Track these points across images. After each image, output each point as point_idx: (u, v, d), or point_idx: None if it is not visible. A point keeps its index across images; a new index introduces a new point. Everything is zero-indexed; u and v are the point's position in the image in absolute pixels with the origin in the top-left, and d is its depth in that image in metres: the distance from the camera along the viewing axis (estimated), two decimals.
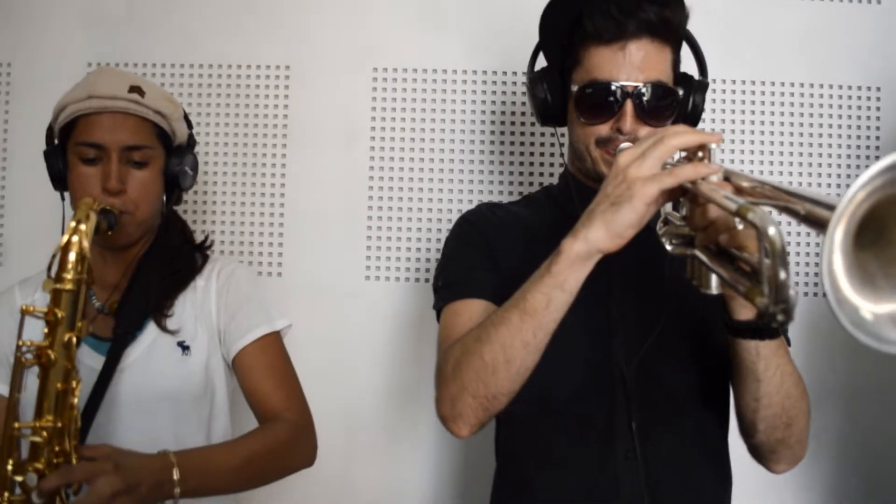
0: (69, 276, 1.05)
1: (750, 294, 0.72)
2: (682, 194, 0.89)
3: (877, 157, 1.84)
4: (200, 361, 1.29)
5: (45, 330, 1.05)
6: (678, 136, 0.88)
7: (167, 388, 1.26)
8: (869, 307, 0.59)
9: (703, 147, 0.88)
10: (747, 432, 1.12)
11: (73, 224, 1.08)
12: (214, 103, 1.84)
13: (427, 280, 1.82)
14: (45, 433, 1.03)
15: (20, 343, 1.05)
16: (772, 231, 0.63)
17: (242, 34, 1.85)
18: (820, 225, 0.61)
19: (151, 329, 1.28)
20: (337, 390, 1.79)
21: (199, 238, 1.43)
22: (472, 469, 1.79)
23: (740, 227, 0.81)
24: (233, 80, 1.85)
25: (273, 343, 1.32)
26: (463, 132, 1.84)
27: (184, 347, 1.28)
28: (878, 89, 1.85)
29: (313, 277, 1.83)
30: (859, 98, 1.85)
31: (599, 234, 0.91)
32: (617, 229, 0.89)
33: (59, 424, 1.04)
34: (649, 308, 1.16)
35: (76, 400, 1.05)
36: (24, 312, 1.06)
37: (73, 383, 1.05)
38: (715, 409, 1.19)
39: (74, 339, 1.04)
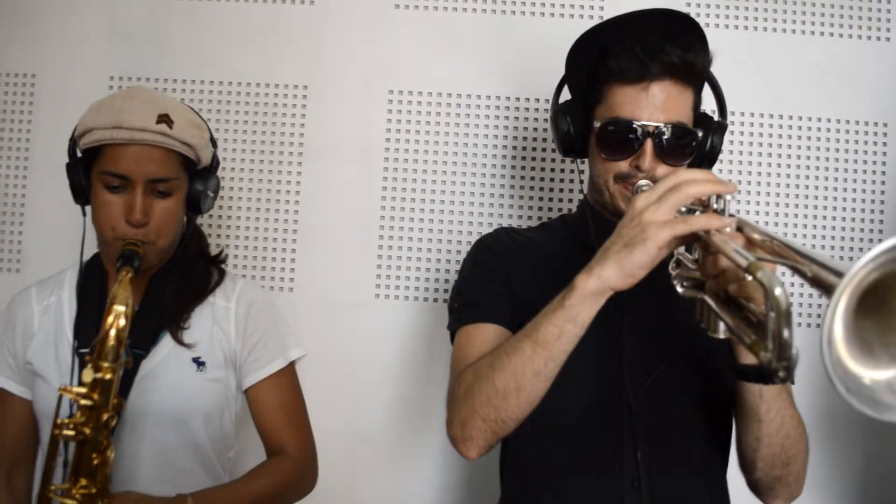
0: (107, 364, 1.08)
1: (755, 347, 0.74)
2: (694, 240, 0.91)
3: (882, 192, 1.87)
4: (214, 378, 1.32)
5: (82, 413, 1.08)
6: (695, 185, 0.91)
7: (179, 401, 1.28)
8: (867, 374, 0.62)
9: (718, 195, 0.91)
10: (747, 469, 1.15)
11: (110, 319, 1.09)
12: (233, 120, 1.87)
13: (435, 300, 1.85)
14: (78, 497, 1.08)
15: (59, 422, 1.08)
16: (778, 291, 0.66)
17: (262, 53, 1.89)
18: (826, 289, 0.63)
19: (167, 342, 1.30)
20: (344, 405, 1.82)
21: (213, 252, 1.45)
22: (478, 487, 1.82)
23: (749, 278, 0.84)
24: (251, 97, 1.88)
25: (286, 377, 1.37)
26: (475, 155, 1.87)
27: (199, 363, 1.30)
28: (886, 125, 1.88)
29: (324, 293, 1.86)
30: (866, 133, 1.88)
31: (612, 273, 0.94)
32: (629, 269, 0.93)
33: (94, 490, 1.08)
34: (659, 341, 1.19)
35: (109, 469, 1.09)
36: (63, 392, 1.08)
37: (108, 452, 1.09)
38: (718, 442, 1.22)
39: (114, 421, 1.09)
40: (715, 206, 0.93)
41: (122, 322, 1.09)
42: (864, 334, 0.63)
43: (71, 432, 1.07)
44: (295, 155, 1.88)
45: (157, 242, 1.27)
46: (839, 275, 0.59)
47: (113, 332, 1.08)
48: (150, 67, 1.89)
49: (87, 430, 1.07)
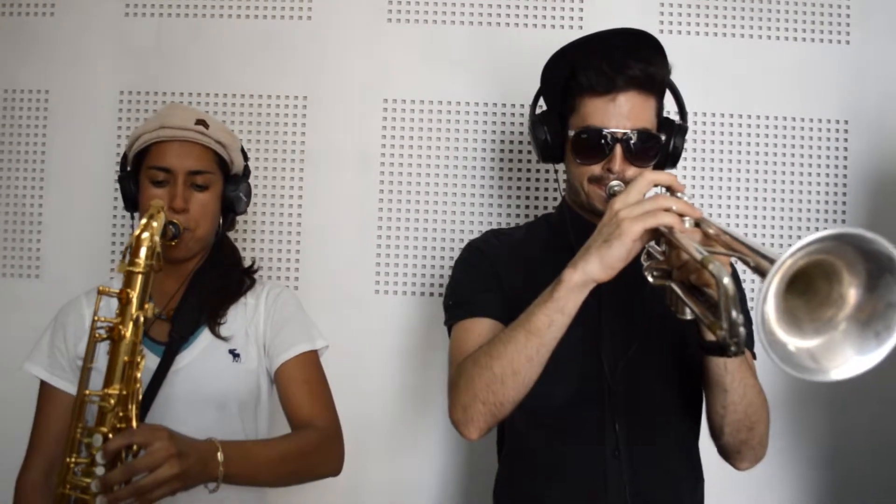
0: (140, 261, 1.19)
1: (712, 327, 0.88)
2: (661, 235, 1.05)
3: (844, 185, 2.02)
4: (249, 369, 1.43)
5: (117, 310, 1.18)
6: (653, 174, 1.09)
7: (217, 390, 1.39)
8: (792, 342, 0.75)
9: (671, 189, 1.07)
10: (716, 434, 1.29)
11: (144, 220, 1.21)
12: (238, 130, 1.99)
13: (431, 294, 1.98)
14: (111, 400, 1.16)
15: (96, 318, 1.19)
16: (726, 280, 0.80)
17: (264, 67, 2.01)
18: (762, 274, 0.77)
19: (205, 335, 1.41)
20: (348, 394, 1.91)
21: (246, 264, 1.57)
22: (476, 467, 1.95)
23: None
24: (255, 108, 2.00)
25: (311, 360, 1.46)
26: (465, 158, 2.01)
27: (234, 354, 1.42)
28: (846, 122, 2.02)
29: (327, 290, 1.98)
30: (829, 130, 2.02)
31: (594, 266, 1.08)
32: (609, 262, 1.07)
33: (125, 392, 1.17)
34: (633, 326, 1.32)
35: (139, 373, 1.18)
36: (101, 293, 1.20)
37: (138, 358, 1.18)
38: (689, 414, 1.36)
39: (142, 318, 1.18)
40: None
41: (156, 224, 1.21)
42: (794, 311, 0.77)
43: (105, 332, 1.17)
44: (297, 161, 2.00)
45: (196, 231, 1.40)
46: (771, 262, 0.73)
47: (146, 235, 1.19)
48: (157, 82, 2.01)
49: (122, 329, 1.16)
